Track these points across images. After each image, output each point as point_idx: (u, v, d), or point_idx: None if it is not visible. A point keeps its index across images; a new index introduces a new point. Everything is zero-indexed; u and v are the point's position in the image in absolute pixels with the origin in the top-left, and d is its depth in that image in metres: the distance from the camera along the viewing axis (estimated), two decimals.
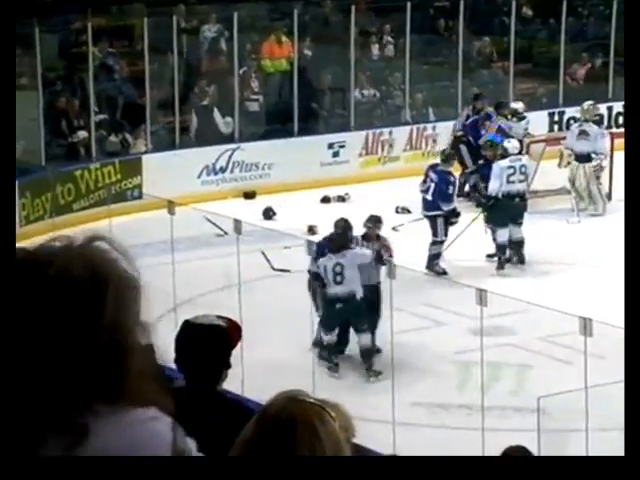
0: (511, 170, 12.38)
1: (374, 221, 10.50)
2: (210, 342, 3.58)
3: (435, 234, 12.01)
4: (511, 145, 12.70)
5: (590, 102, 14.76)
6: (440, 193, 12.06)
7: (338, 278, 9.65)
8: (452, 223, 12.03)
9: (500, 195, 12.25)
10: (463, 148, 14.79)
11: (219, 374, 3.62)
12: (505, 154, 12.55)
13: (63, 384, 1.45)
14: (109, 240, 1.57)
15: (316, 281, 9.88)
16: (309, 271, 10.02)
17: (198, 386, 3.57)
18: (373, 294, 9.69)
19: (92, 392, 1.46)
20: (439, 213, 12.02)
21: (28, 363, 1.44)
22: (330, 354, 9.72)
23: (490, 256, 12.31)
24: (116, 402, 1.46)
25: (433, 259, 11.96)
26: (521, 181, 12.45)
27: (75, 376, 1.45)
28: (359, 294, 9.64)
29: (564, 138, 14.73)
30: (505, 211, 12.20)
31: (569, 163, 14.26)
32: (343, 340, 9.89)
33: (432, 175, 12.29)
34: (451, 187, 12.19)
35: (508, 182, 12.31)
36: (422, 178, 12.46)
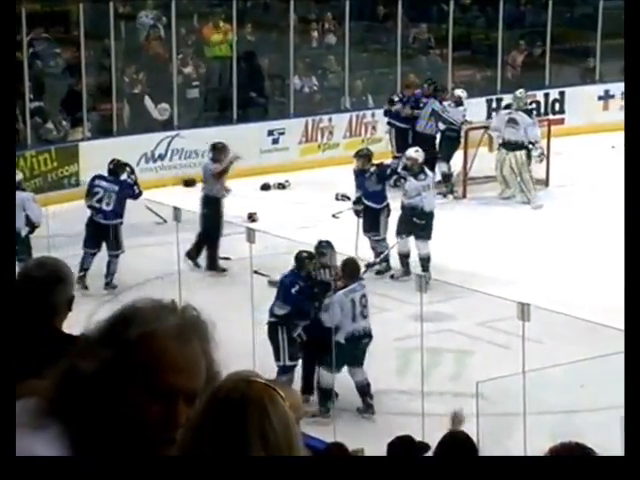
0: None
1: (329, 246, 9.59)
2: None
3: None
4: (420, 154, 12.02)
5: (522, 90, 14.86)
6: None
7: (365, 311, 8.99)
8: None
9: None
10: (392, 131, 14.90)
11: None
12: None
13: None
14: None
15: (288, 323, 9.01)
16: (279, 315, 9.05)
17: None
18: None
19: None
20: None
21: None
22: (327, 398, 8.92)
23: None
24: None
25: None
26: None
27: None
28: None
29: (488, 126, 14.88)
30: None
31: (500, 147, 14.36)
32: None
33: None
34: None
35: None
36: None
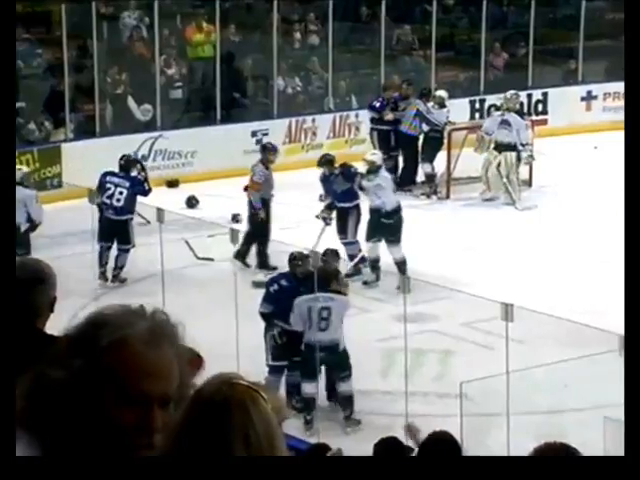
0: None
1: (334, 255, 9.52)
2: None
3: None
4: (377, 157, 12.02)
5: (513, 91, 14.87)
6: None
7: (323, 324, 8.66)
8: None
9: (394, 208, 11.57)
10: (375, 135, 14.92)
11: None
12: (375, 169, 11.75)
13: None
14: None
15: (271, 323, 9.00)
16: (261, 314, 9.02)
17: None
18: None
19: None
20: None
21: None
22: (305, 408, 8.70)
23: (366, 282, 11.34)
24: None
25: None
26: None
27: None
28: (342, 344, 8.74)
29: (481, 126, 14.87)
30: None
31: (489, 148, 14.36)
32: (332, 391, 8.96)
33: None
34: None
35: (394, 192, 11.80)
36: None
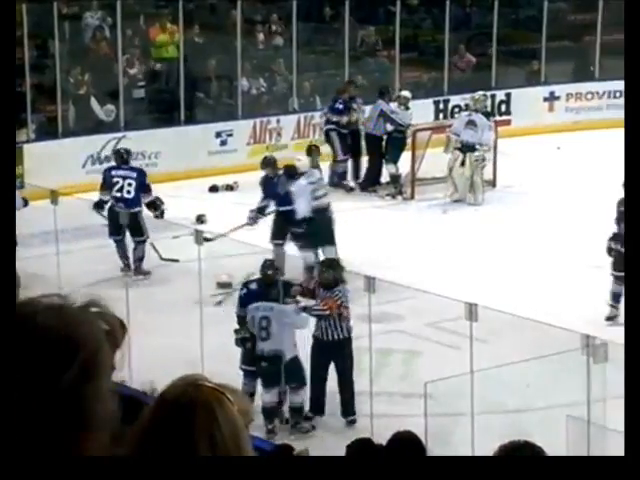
0: (313, 186, 11.73)
1: (327, 266, 9.27)
2: None
3: None
4: (300, 163, 11.88)
5: (481, 92, 14.96)
6: None
7: (263, 334, 8.70)
8: None
9: (312, 214, 11.36)
10: (334, 136, 14.90)
11: None
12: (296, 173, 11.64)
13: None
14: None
15: (242, 326, 8.88)
16: (238, 316, 9.03)
17: None
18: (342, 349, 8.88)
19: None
20: None
21: None
22: (266, 417, 8.61)
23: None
24: None
25: None
26: (324, 195, 11.75)
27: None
28: (290, 354, 8.73)
29: (450, 126, 14.92)
30: (321, 228, 11.29)
31: (455, 149, 14.42)
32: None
33: None
34: None
35: (315, 198, 11.52)
36: None
